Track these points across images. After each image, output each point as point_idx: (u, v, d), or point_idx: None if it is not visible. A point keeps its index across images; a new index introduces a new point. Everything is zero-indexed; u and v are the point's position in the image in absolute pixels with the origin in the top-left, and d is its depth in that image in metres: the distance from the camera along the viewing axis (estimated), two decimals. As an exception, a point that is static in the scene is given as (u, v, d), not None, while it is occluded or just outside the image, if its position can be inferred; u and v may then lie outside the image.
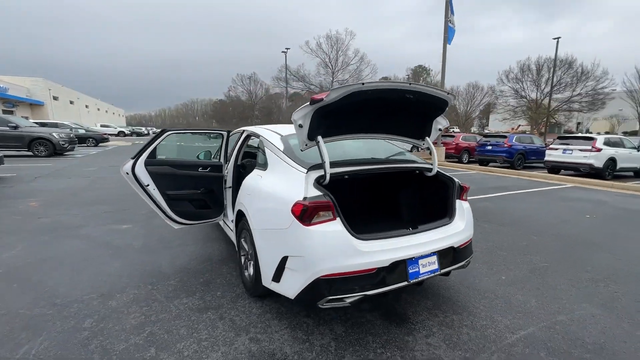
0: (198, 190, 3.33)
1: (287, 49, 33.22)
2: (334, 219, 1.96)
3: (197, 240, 3.96)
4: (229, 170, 3.50)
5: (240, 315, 2.36)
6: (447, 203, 2.55)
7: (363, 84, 1.93)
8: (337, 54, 39.55)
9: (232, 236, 3.11)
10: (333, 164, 2.17)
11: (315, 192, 2.00)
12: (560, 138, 11.81)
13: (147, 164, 3.05)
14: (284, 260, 2.05)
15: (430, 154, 2.79)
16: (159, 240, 3.96)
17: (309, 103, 2.02)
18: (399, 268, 2.01)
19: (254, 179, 2.59)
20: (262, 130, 2.99)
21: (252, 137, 3.31)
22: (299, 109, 2.07)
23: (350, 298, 1.90)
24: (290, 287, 2.03)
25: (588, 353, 2.02)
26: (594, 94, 29.81)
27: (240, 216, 2.73)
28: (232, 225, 3.03)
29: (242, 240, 2.78)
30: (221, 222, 3.65)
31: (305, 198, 1.97)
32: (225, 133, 3.53)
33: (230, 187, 3.47)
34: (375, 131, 2.53)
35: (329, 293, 1.89)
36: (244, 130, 3.51)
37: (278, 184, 2.26)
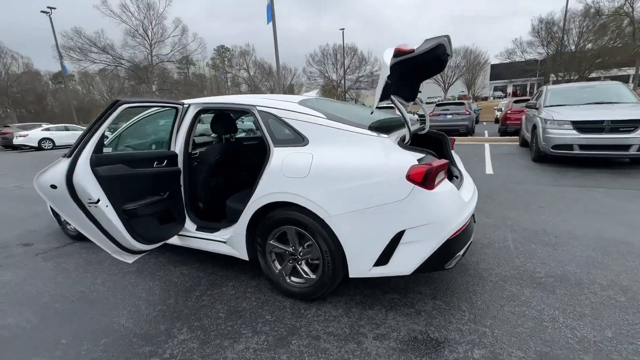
0: (162, 194, 2.21)
1: (50, 8, 23.00)
2: (446, 176, 1.89)
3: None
4: (184, 162, 2.51)
5: (328, 323, 1.90)
6: (450, 159, 2.87)
7: (446, 36, 1.87)
8: (152, 22, 32.65)
9: (237, 244, 2.32)
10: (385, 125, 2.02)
11: (419, 154, 1.83)
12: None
13: (95, 163, 1.73)
14: (398, 236, 1.79)
15: (422, 115, 3.04)
16: (81, 297, 2.39)
17: (392, 55, 1.77)
18: (471, 223, 2.16)
19: (298, 160, 2.00)
20: (262, 100, 2.29)
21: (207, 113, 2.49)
22: (386, 63, 1.76)
23: (455, 259, 1.92)
24: (408, 262, 1.82)
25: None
26: (371, 76, 39.38)
27: (267, 211, 2.09)
28: (241, 229, 2.25)
29: (271, 241, 2.15)
30: (177, 240, 2.60)
31: (419, 160, 1.78)
32: (180, 107, 2.45)
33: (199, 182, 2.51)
34: (407, 98, 2.45)
35: (455, 251, 1.85)
36: (189, 106, 2.55)
37: (355, 156, 1.87)
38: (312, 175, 1.91)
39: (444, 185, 1.85)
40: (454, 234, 1.82)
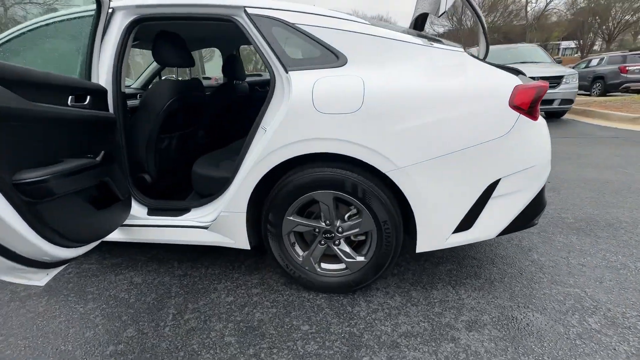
0: (91, 156, 1.23)
1: None
2: None
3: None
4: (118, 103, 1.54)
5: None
6: None
7: None
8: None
9: (231, 228, 1.52)
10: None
11: (511, 73, 1.32)
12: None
13: None
14: (490, 188, 1.29)
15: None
16: None
17: None
18: None
19: (341, 86, 1.27)
20: (256, 0, 1.43)
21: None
22: None
23: (543, 211, 1.57)
24: (497, 222, 1.36)
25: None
26: None
27: (277, 173, 1.38)
28: (237, 205, 1.46)
29: (290, 217, 1.44)
30: (118, 234, 1.65)
31: (521, 79, 1.27)
32: (103, 2, 1.37)
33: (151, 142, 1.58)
34: None
35: (544, 201, 1.45)
36: (113, 11, 1.52)
37: (430, 78, 1.26)
38: (366, 109, 1.24)
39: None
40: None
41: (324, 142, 1.29)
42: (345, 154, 1.28)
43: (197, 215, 1.62)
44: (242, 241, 1.55)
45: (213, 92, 2.55)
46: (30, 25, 1.61)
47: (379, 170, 1.28)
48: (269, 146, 1.34)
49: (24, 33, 1.62)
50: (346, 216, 1.45)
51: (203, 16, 1.48)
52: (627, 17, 24.48)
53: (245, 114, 2.77)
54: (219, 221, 1.54)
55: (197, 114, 2.13)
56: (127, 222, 1.66)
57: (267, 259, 1.86)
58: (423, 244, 1.38)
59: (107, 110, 1.43)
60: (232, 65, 2.56)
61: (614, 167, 3.28)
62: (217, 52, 3.35)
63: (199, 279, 1.70)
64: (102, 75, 1.51)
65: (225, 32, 2.42)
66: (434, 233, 1.36)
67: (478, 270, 1.68)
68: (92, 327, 1.40)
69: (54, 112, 1.07)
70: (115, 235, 1.68)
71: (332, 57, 1.32)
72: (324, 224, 1.44)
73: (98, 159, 1.23)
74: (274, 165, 1.37)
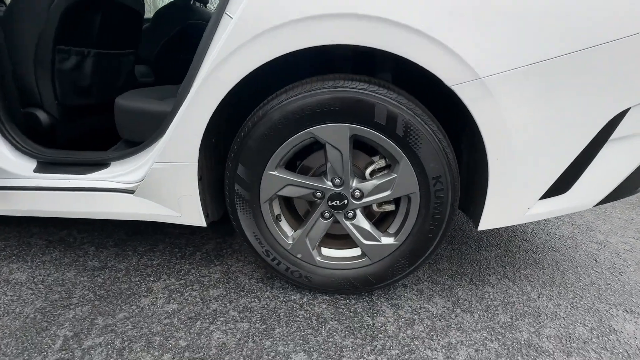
0: None
1: None
2: None
3: None
4: None
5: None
6: None
7: None
8: None
9: (173, 190, 0.91)
10: None
11: None
12: None
13: None
14: (612, 123, 0.78)
15: None
16: None
17: None
18: None
19: None
20: None
21: None
22: None
23: None
24: (604, 181, 0.86)
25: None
26: None
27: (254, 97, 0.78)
28: (182, 153, 0.84)
29: (273, 171, 0.84)
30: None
31: None
32: None
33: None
34: None
35: None
36: None
37: None
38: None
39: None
40: None
41: (340, 23, 0.70)
42: (380, 47, 0.70)
43: (117, 173, 0.98)
44: (191, 213, 0.94)
45: (159, 11, 1.83)
46: None
47: (441, 83, 0.72)
48: (237, 37, 0.73)
49: None
50: (368, 171, 0.88)
51: None
52: None
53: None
54: (151, 179, 0.91)
55: (130, 28, 1.44)
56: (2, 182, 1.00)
57: (234, 241, 1.27)
58: (492, 216, 0.85)
59: None
60: None
61: None
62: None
63: (124, 274, 1.08)
64: None
65: None
66: (513, 198, 0.83)
67: (536, 256, 1.20)
68: None
69: None
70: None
71: None
72: (330, 183, 0.87)
73: None
74: (244, 74, 0.76)
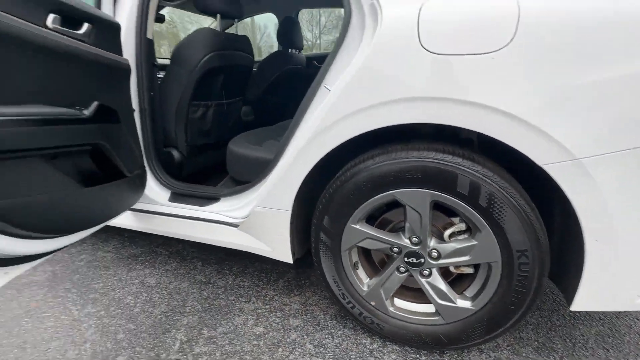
0: (79, 109, 0.86)
1: None
2: None
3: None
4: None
5: None
6: None
7: None
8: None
9: (269, 230, 1.08)
10: None
11: None
12: None
13: None
14: None
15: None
16: None
17: None
18: None
19: (463, 6, 0.74)
20: None
21: None
22: None
23: None
24: None
25: None
26: None
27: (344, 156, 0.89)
28: (280, 199, 1.01)
29: (356, 225, 0.93)
30: (128, 219, 1.32)
31: None
32: None
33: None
34: None
35: None
36: None
37: None
38: (523, 44, 0.68)
39: None
40: None
41: (433, 105, 0.76)
42: (470, 127, 0.74)
43: (226, 208, 1.20)
44: (282, 250, 1.09)
45: (263, 60, 2.14)
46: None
47: (532, 162, 0.72)
48: (333, 112, 0.85)
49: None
50: (447, 233, 0.91)
51: None
52: None
53: (300, 90, 2.32)
54: (253, 219, 1.09)
55: (242, 81, 1.73)
56: (144, 207, 1.31)
57: (311, 273, 1.39)
58: (590, 298, 0.78)
59: (120, 54, 1.05)
60: (288, 30, 2.12)
61: None
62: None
63: (222, 291, 1.29)
64: (122, 12, 1.15)
65: None
66: (615, 282, 0.75)
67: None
68: (79, 344, 1.04)
69: (19, 29, 0.70)
70: (127, 222, 1.33)
71: None
72: (407, 240, 0.92)
73: (86, 112, 0.84)
74: (340, 142, 0.87)
